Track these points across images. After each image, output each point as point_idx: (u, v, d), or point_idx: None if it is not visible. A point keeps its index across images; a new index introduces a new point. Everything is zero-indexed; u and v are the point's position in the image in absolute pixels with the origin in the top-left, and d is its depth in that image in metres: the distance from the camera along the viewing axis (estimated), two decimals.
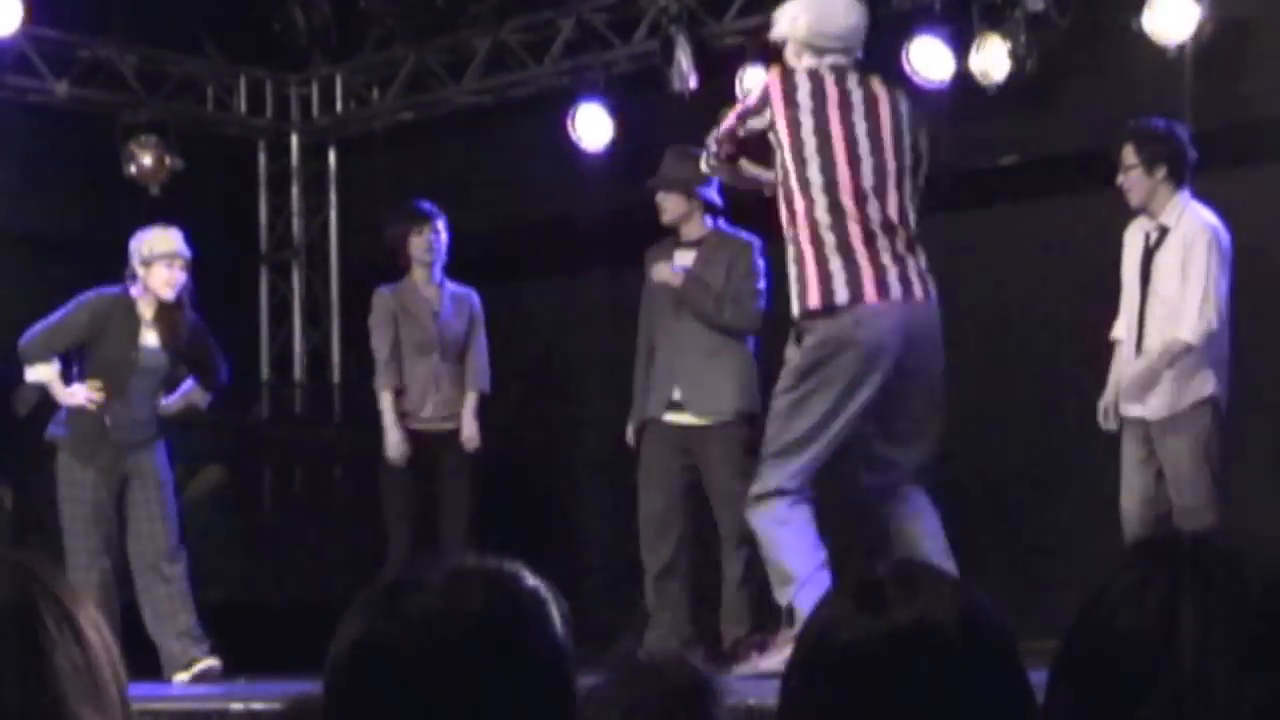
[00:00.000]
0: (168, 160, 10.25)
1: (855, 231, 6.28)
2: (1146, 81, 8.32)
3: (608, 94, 9.73)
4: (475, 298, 8.83)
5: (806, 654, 1.88)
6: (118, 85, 10.47)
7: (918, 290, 6.31)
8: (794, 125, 6.31)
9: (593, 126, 9.74)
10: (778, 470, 6.38)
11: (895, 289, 6.27)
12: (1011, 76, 8.65)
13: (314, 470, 10.91)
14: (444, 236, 8.72)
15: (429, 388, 8.68)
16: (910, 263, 6.33)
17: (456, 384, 8.71)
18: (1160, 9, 8.15)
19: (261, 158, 11.56)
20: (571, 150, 9.77)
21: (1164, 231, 7.11)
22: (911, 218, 6.38)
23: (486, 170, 10.49)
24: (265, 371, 11.43)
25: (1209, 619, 1.60)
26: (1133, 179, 7.12)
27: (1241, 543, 1.67)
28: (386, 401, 8.69)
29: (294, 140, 11.51)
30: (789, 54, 6.50)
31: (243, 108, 11.31)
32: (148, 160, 10.25)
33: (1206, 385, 7.05)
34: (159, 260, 7.98)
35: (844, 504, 6.65)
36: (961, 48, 8.68)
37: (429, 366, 8.68)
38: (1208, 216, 7.10)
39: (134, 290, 8.04)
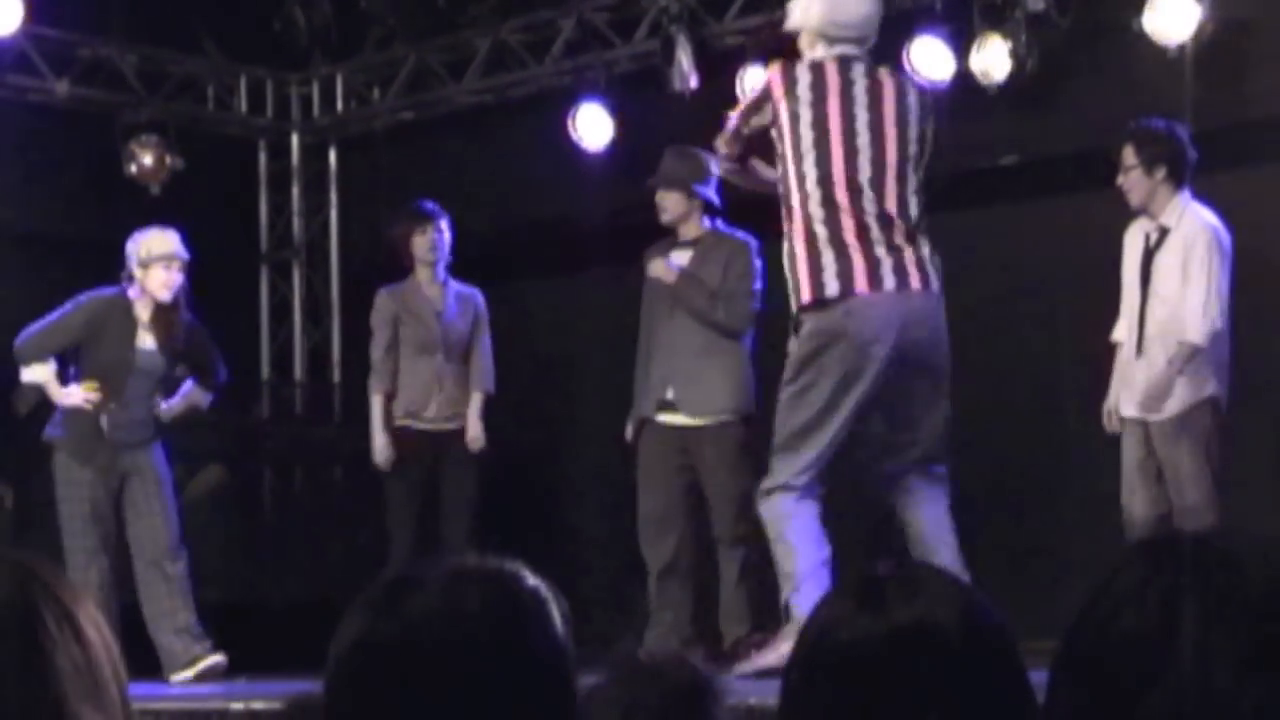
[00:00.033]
0: (168, 160, 10.25)
1: (849, 224, 6.29)
2: (1147, 81, 8.32)
3: (608, 94, 9.73)
4: (480, 297, 8.83)
5: (806, 654, 1.88)
6: (118, 85, 10.47)
7: (914, 280, 6.31)
8: (793, 118, 6.33)
9: (593, 126, 9.74)
10: (784, 464, 6.40)
11: (889, 280, 6.28)
12: (1012, 76, 8.65)
13: (314, 470, 10.91)
14: (447, 236, 8.73)
15: (432, 388, 8.68)
16: (908, 253, 6.32)
17: (460, 384, 8.72)
18: (1161, 9, 8.14)
19: (262, 157, 11.56)
20: (572, 150, 9.77)
21: (1164, 232, 7.11)
22: (913, 209, 6.38)
23: (487, 170, 10.48)
24: (265, 371, 11.43)
25: (1209, 619, 1.60)
26: (1133, 179, 7.12)
27: (1242, 543, 1.67)
28: (376, 405, 8.73)
29: (295, 140, 11.51)
30: (802, 43, 6.51)
31: (243, 107, 11.31)
32: (148, 160, 10.25)
33: (1206, 385, 7.05)
34: (156, 262, 7.98)
35: (854, 493, 6.66)
36: (962, 47, 8.68)
37: (432, 366, 8.68)
38: (1208, 217, 7.10)
39: (131, 292, 8.04)
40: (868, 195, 6.32)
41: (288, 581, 10.18)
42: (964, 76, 8.66)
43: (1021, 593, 7.04)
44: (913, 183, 6.40)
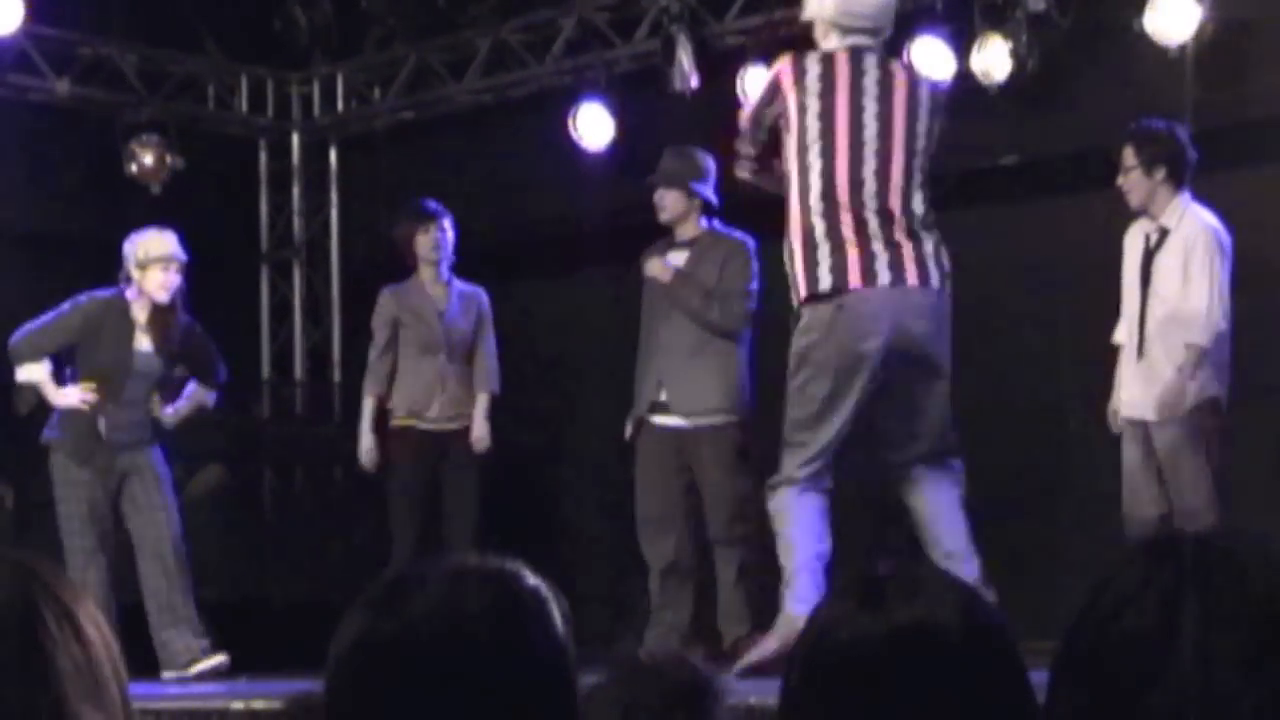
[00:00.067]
0: (168, 159, 10.25)
1: (847, 219, 6.30)
2: (1148, 81, 8.32)
3: (609, 93, 9.73)
4: (484, 296, 8.83)
5: (806, 654, 1.88)
6: (119, 84, 10.47)
7: (911, 275, 6.31)
8: (801, 109, 6.34)
9: (594, 126, 9.74)
10: (789, 458, 6.43)
11: (883, 275, 6.29)
12: (1012, 76, 8.66)
13: (314, 470, 10.91)
14: (450, 235, 8.74)
15: (435, 388, 8.68)
16: (907, 249, 6.32)
17: (463, 384, 8.72)
18: (1161, 9, 8.14)
19: (262, 157, 11.56)
20: (572, 150, 9.77)
21: (1164, 233, 7.11)
22: (918, 204, 6.37)
23: (487, 169, 10.48)
24: (266, 370, 11.43)
25: (1210, 619, 1.60)
26: (1132, 180, 7.12)
27: (1242, 543, 1.67)
28: (367, 406, 8.78)
29: (295, 139, 11.51)
30: (816, 34, 6.51)
31: (244, 107, 11.31)
32: (149, 159, 10.25)
33: (1207, 386, 7.05)
34: (155, 263, 7.98)
35: (857, 492, 6.66)
36: (963, 47, 8.68)
37: (435, 366, 8.68)
38: (1208, 218, 7.10)
39: (129, 293, 8.04)
40: (870, 189, 6.31)
41: (288, 581, 10.18)
42: (964, 76, 8.66)
43: (1021, 593, 7.03)
44: (919, 177, 6.40)
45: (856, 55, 6.39)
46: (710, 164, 8.00)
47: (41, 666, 1.76)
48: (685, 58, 9.32)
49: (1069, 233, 8.52)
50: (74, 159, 10.40)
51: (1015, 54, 8.62)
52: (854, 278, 6.28)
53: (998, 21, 8.67)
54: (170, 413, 8.22)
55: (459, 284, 8.80)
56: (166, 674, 7.96)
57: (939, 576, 1.92)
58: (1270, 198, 7.97)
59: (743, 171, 6.66)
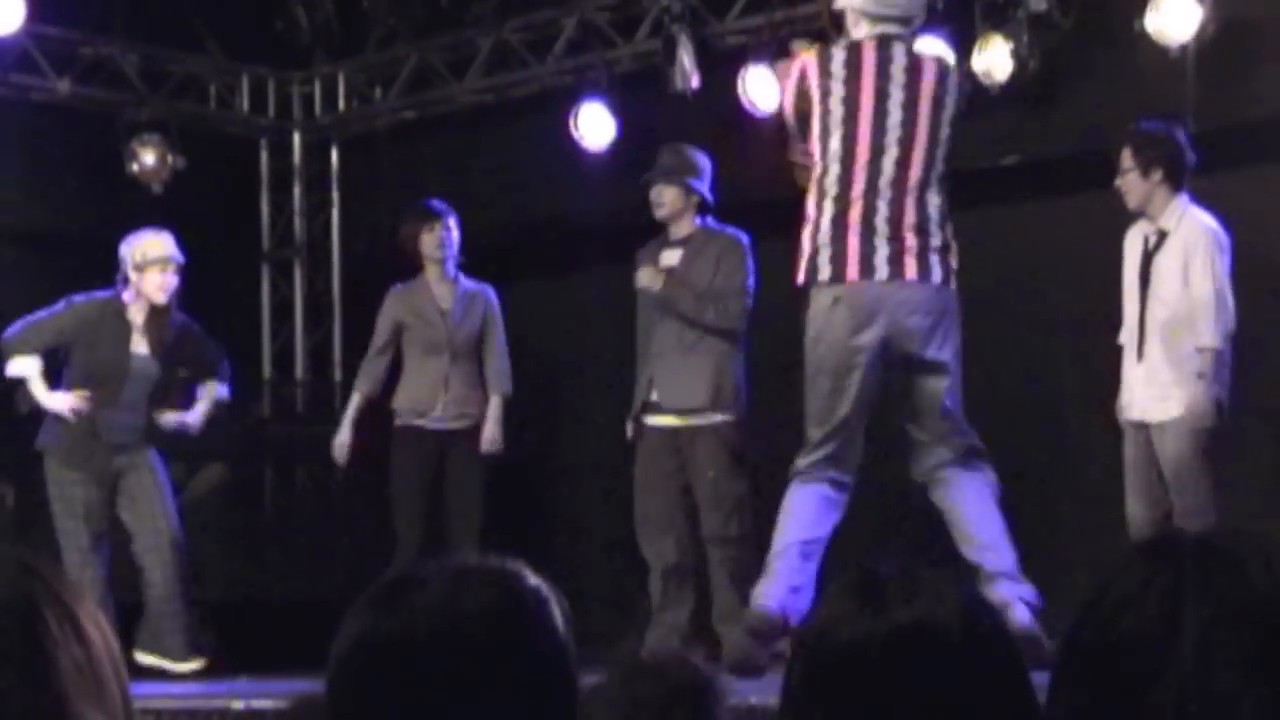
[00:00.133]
0: (170, 159, 10.25)
1: (857, 208, 6.31)
2: (1149, 82, 8.32)
3: (610, 93, 9.73)
4: (491, 294, 8.82)
5: (806, 653, 1.88)
6: (120, 83, 10.47)
7: (910, 270, 6.32)
8: (825, 96, 6.35)
9: (595, 125, 9.74)
10: (803, 449, 6.45)
11: (882, 269, 6.30)
12: (1014, 76, 8.65)
13: (315, 469, 10.91)
14: (455, 233, 8.76)
15: (439, 387, 8.68)
16: (911, 243, 6.32)
17: (468, 384, 8.72)
18: (1163, 9, 8.14)
19: (264, 156, 11.56)
20: (574, 149, 9.77)
21: (1163, 235, 7.12)
22: (933, 196, 6.37)
23: (488, 169, 10.48)
24: (267, 370, 11.43)
25: (1211, 619, 1.60)
26: (1130, 182, 7.13)
27: (1243, 543, 1.67)
28: (352, 401, 8.84)
29: (296, 139, 11.51)
30: (847, 22, 6.51)
31: (245, 106, 11.31)
32: (150, 159, 10.25)
33: (1208, 387, 7.05)
34: (153, 265, 7.98)
35: (863, 486, 6.68)
36: (964, 47, 8.67)
37: (440, 366, 8.68)
38: (1206, 219, 7.10)
39: (125, 295, 8.03)
40: (889, 177, 6.31)
41: (289, 580, 10.18)
42: (966, 77, 8.65)
43: None
44: (940, 168, 6.39)
45: (884, 43, 6.39)
46: (706, 162, 8.01)
47: (43, 666, 1.77)
48: (686, 57, 9.32)
49: (1069, 233, 8.52)
50: (75, 158, 10.40)
51: (1016, 54, 8.62)
52: (852, 270, 6.30)
53: (999, 22, 8.66)
54: (193, 420, 8.23)
55: (466, 282, 8.81)
56: (143, 657, 7.96)
57: (939, 577, 1.92)
58: (1271, 198, 7.97)
59: (803, 179, 6.66)
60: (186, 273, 8.10)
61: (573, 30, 10.07)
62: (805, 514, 6.44)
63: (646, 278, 7.96)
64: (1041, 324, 8.76)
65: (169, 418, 8.19)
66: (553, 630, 1.86)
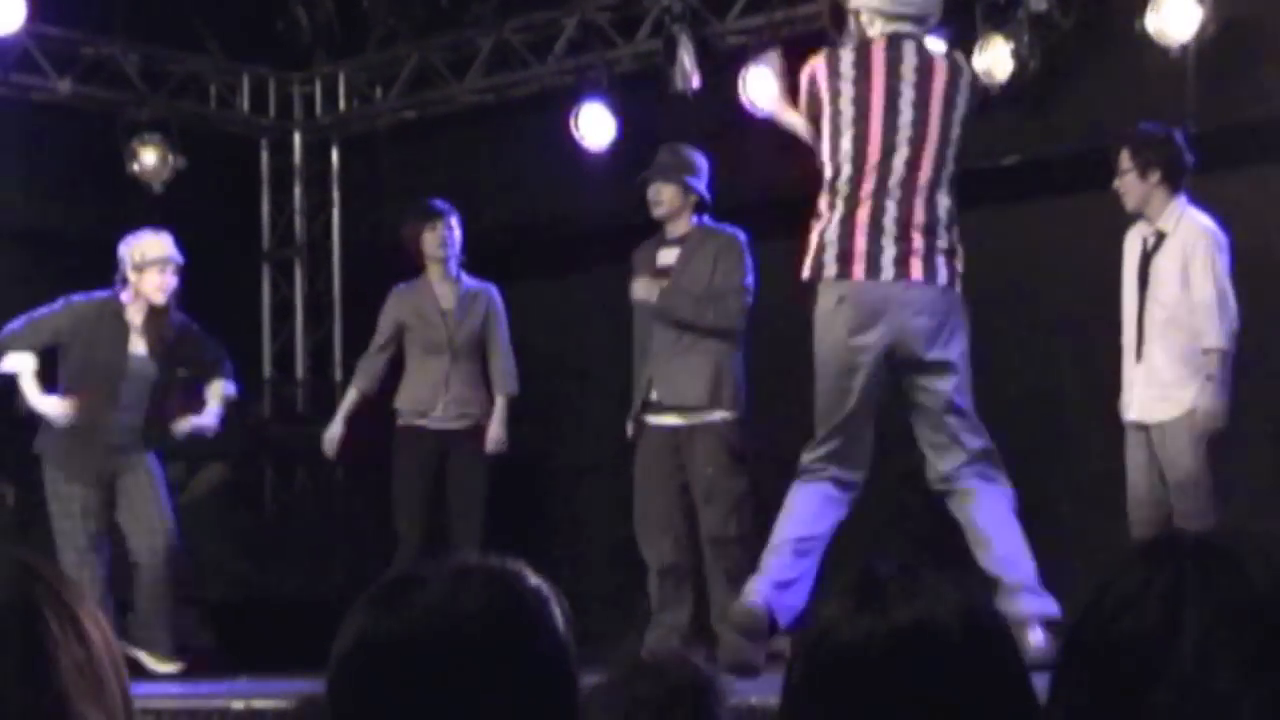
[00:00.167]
0: (170, 158, 10.26)
1: (866, 207, 6.30)
2: (1149, 82, 8.32)
3: (610, 93, 9.73)
4: (494, 293, 8.82)
5: (807, 653, 1.88)
6: (121, 83, 10.48)
7: (916, 270, 6.32)
8: (835, 96, 6.34)
9: (595, 125, 9.74)
10: (809, 444, 6.47)
11: (888, 270, 6.30)
12: (1014, 76, 8.66)
13: (316, 469, 10.91)
14: (457, 232, 8.76)
15: (439, 387, 8.68)
16: (918, 243, 6.31)
17: (470, 384, 8.72)
18: (1163, 10, 8.15)
19: (264, 156, 11.56)
20: (574, 149, 9.77)
21: (1161, 236, 7.12)
22: (943, 196, 6.36)
23: (489, 169, 10.48)
24: (267, 370, 11.44)
25: (1212, 620, 1.60)
26: (1127, 183, 7.13)
27: (1243, 543, 1.67)
28: (347, 396, 8.87)
29: (297, 138, 11.52)
30: (862, 21, 6.50)
31: (246, 106, 11.31)
32: (150, 158, 10.26)
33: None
34: (152, 266, 7.98)
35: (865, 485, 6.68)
36: (964, 48, 8.66)
37: (440, 366, 8.68)
38: (1204, 220, 7.10)
39: (124, 296, 8.03)
40: (899, 177, 6.31)
41: (289, 580, 10.18)
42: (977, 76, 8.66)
43: None
44: (950, 168, 6.38)
45: (895, 42, 6.38)
46: (703, 161, 8.02)
47: (43, 666, 1.77)
48: (687, 58, 9.32)
49: (1069, 233, 8.52)
50: (76, 158, 10.40)
51: (1017, 54, 8.62)
52: (858, 269, 6.29)
53: (1000, 22, 8.67)
54: (209, 423, 8.24)
55: (468, 281, 8.81)
56: (126, 649, 7.98)
57: (939, 577, 1.93)
58: (1270, 198, 7.97)
59: None
60: (186, 273, 8.10)
61: (573, 30, 10.08)
62: (804, 511, 6.44)
63: (642, 290, 7.96)
64: (1041, 324, 8.76)
65: (184, 425, 8.21)
66: (553, 630, 1.86)
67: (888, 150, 6.31)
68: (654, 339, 7.96)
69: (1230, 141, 7.99)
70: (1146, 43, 8.20)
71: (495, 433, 8.65)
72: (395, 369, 8.86)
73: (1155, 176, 7.07)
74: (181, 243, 8.12)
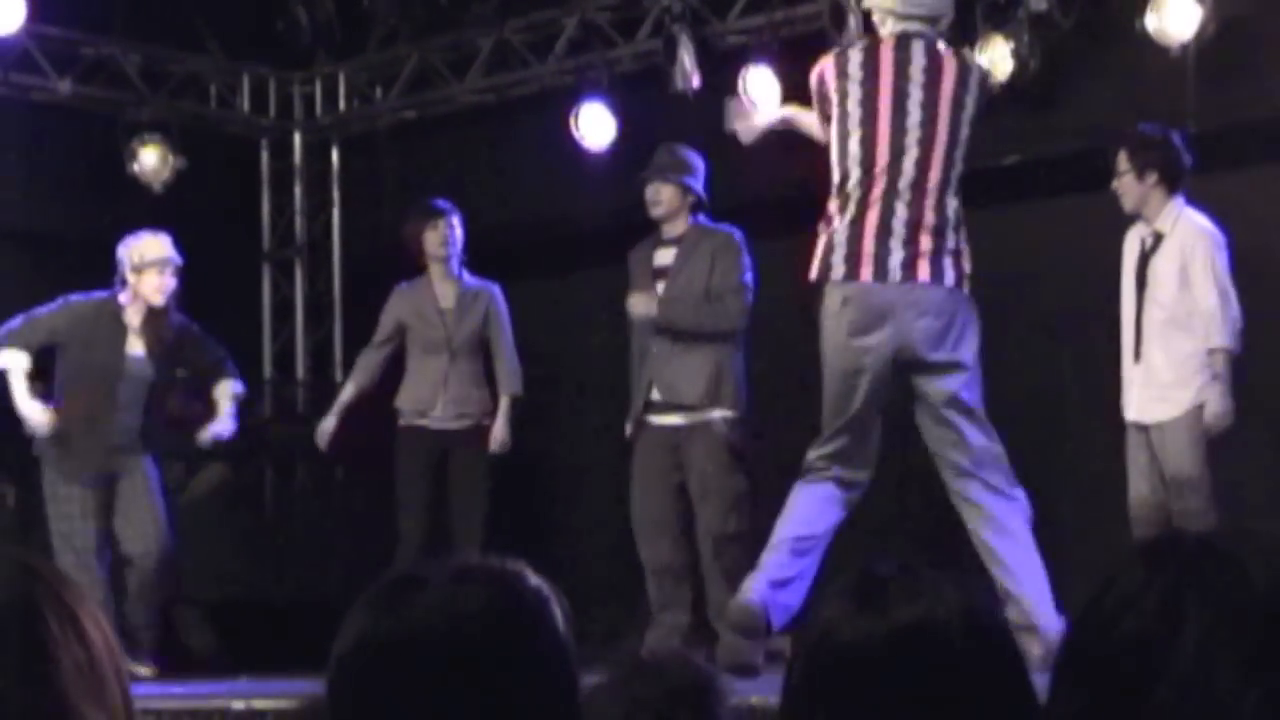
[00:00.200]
0: (171, 159, 10.26)
1: (875, 208, 6.29)
2: (1150, 82, 8.32)
3: (611, 93, 9.73)
4: (496, 291, 8.81)
5: (807, 653, 1.88)
6: (121, 83, 10.48)
7: (923, 272, 6.31)
8: (843, 96, 6.34)
9: (596, 125, 9.74)
10: (815, 441, 6.47)
11: (895, 272, 6.29)
12: (1014, 76, 8.66)
13: (316, 469, 10.92)
14: (459, 231, 8.76)
15: (439, 387, 8.68)
16: (925, 244, 6.31)
17: (470, 383, 8.71)
18: (1163, 9, 8.15)
19: (264, 156, 11.57)
20: (574, 149, 9.77)
21: (1159, 237, 7.12)
22: (950, 197, 6.36)
23: (489, 169, 10.48)
24: (268, 370, 11.44)
25: (1212, 620, 1.60)
26: (1125, 184, 7.14)
27: (1243, 543, 1.67)
28: (344, 392, 8.87)
29: (297, 139, 11.52)
30: (874, 20, 6.50)
31: (246, 106, 11.32)
32: (151, 159, 10.26)
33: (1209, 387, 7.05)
34: (151, 267, 7.98)
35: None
36: (965, 47, 8.67)
37: (439, 365, 8.68)
38: (1202, 221, 7.11)
39: (122, 297, 8.03)
40: (908, 178, 6.29)
41: (290, 580, 10.18)
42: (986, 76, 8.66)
43: None
44: (958, 168, 6.37)
45: (904, 42, 6.36)
46: (700, 161, 8.03)
47: (44, 666, 1.77)
48: (687, 57, 9.32)
49: (1069, 233, 8.51)
50: (76, 158, 10.40)
51: (1017, 54, 8.62)
52: (865, 271, 6.29)
53: (1000, 22, 8.67)
54: (226, 427, 8.25)
55: (470, 280, 8.80)
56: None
57: (940, 577, 1.93)
58: (1270, 198, 7.96)
59: None
60: (187, 273, 8.10)
61: (573, 30, 10.08)
62: (804, 510, 6.43)
63: (641, 305, 7.96)
64: (1041, 324, 8.75)
65: (205, 435, 8.24)
66: (553, 630, 1.86)
67: (896, 152, 6.30)
68: (655, 340, 7.96)
69: (1230, 141, 7.99)
70: (1146, 43, 8.20)
71: (499, 433, 8.65)
72: (397, 368, 8.86)
73: (1152, 178, 7.08)
74: (181, 243, 8.12)
